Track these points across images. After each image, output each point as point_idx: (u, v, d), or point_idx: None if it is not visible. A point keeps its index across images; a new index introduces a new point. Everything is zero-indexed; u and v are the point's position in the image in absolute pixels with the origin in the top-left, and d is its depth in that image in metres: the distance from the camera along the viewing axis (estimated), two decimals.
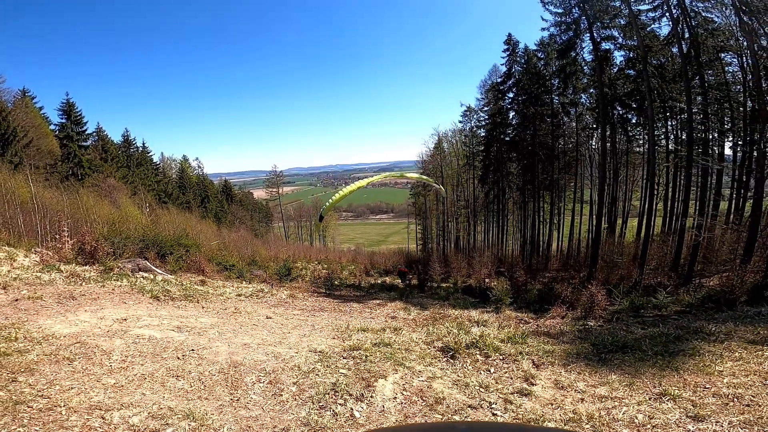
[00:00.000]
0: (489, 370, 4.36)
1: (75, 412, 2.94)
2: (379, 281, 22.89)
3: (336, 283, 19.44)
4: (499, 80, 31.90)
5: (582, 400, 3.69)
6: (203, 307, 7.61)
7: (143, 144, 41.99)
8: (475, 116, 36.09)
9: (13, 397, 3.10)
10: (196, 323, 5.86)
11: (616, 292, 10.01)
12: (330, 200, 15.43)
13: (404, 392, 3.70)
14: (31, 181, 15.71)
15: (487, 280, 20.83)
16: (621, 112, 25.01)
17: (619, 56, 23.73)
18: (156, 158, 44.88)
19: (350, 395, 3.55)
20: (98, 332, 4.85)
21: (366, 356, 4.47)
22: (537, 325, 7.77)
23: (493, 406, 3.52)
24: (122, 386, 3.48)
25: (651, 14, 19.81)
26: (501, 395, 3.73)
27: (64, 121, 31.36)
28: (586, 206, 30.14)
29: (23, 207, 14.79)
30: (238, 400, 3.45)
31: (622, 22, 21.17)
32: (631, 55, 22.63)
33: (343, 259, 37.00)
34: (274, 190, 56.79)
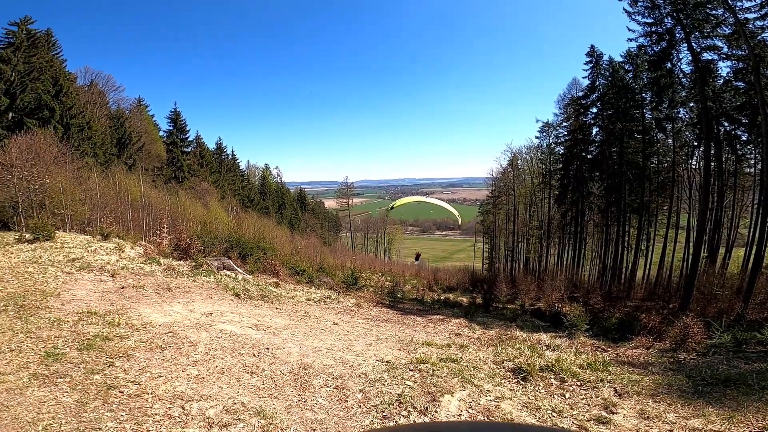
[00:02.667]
0: (564, 395, 4.08)
1: (159, 400, 3.23)
2: (442, 297, 22.50)
3: (399, 296, 19.46)
4: (580, 94, 30.01)
5: (671, 431, 3.29)
6: (277, 308, 8.03)
7: (233, 152, 46.36)
8: (552, 132, 34.26)
9: (108, 381, 3.49)
10: (271, 323, 6.19)
11: (715, 325, 8.89)
12: (399, 200, 16.09)
13: (470, 410, 3.56)
14: (142, 182, 18.05)
15: (558, 305, 19.45)
16: (728, 128, 22.16)
17: (724, 67, 21.23)
18: (243, 165, 49.29)
19: (414, 408, 3.48)
20: (188, 324, 5.33)
21: (433, 370, 4.38)
22: (617, 354, 7.14)
23: None
24: (203, 378, 3.77)
25: (759, 23, 17.78)
26: (576, 421, 3.45)
27: (171, 128, 35.81)
28: (681, 232, 26.95)
29: (133, 204, 17.00)
30: (305, 402, 3.54)
31: (727, 31, 19.05)
32: (739, 66, 20.12)
33: (406, 272, 36.99)
34: (344, 200, 58.94)
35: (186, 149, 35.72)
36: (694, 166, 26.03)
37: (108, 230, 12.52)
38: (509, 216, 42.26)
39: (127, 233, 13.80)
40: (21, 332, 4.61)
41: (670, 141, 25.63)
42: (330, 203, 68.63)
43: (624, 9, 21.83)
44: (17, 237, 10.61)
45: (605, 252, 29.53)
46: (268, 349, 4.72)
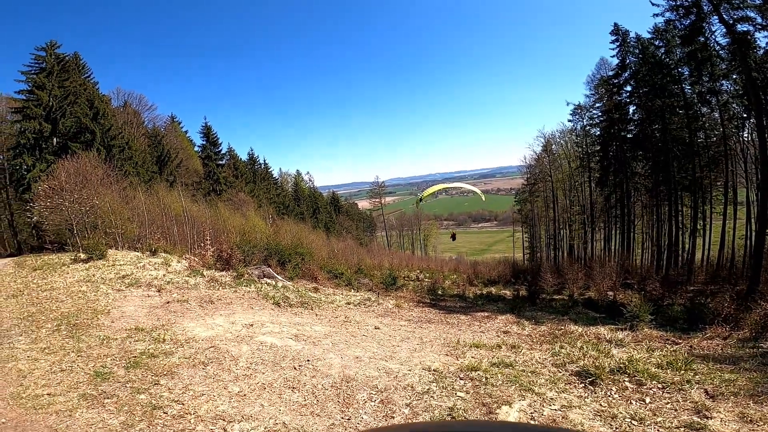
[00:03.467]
0: (643, 400, 3.63)
1: (202, 420, 3.14)
2: (484, 291, 21.89)
3: (439, 293, 19.06)
4: (610, 74, 28.59)
5: None
6: (316, 315, 7.95)
7: (264, 161, 47.57)
8: (586, 114, 32.70)
9: (153, 401, 3.45)
10: (311, 331, 6.08)
11: None
12: (426, 191, 16.19)
13: (532, 421, 3.21)
14: (182, 197, 18.77)
15: (611, 293, 18.32)
16: None
17: (761, 38, 19.75)
18: (275, 174, 50.50)
19: None
20: (229, 337, 5.30)
21: (486, 378, 4.05)
22: (690, 346, 6.53)
23: None
24: (245, 395, 3.66)
25: None
26: (662, 429, 3.03)
27: (204, 142, 37.05)
28: (740, 209, 24.76)
29: (176, 219, 17.70)
30: (349, 419, 3.33)
31: (758, 1, 17.61)
32: None
33: (444, 268, 36.44)
34: (377, 200, 59.05)
35: (220, 162, 36.87)
36: (746, 138, 24.02)
37: (155, 246, 13.03)
38: (548, 203, 40.70)
39: (173, 247, 14.32)
40: (72, 351, 4.77)
41: (716, 114, 23.81)
42: (363, 204, 68.99)
43: None
44: (73, 257, 11.24)
45: (658, 234, 27.69)
46: (308, 360, 4.58)
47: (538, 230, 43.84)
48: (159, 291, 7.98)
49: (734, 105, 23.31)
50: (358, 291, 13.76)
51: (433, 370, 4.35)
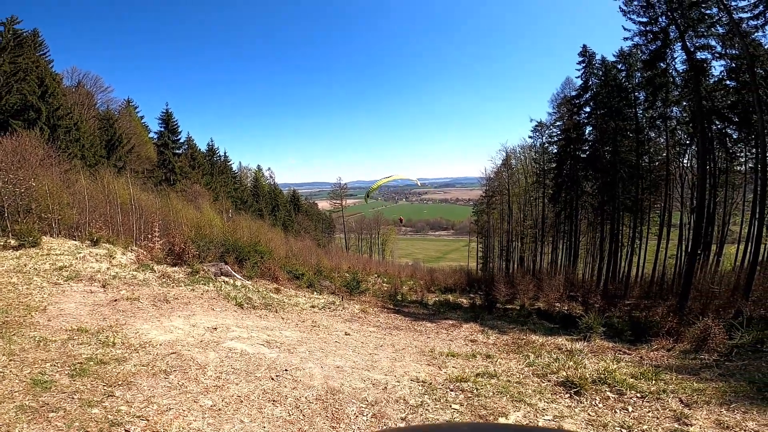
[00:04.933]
0: (626, 409, 3.77)
1: None
2: (441, 298, 22.21)
3: (399, 298, 19.02)
4: (573, 93, 29.99)
5: None
6: (283, 318, 7.49)
7: (225, 153, 45.11)
8: (546, 131, 34.18)
9: (110, 416, 2.93)
10: (282, 337, 5.66)
11: (736, 324, 8.74)
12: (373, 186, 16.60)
13: None
14: (131, 184, 17.26)
15: (558, 305, 19.24)
16: (719, 126, 22.37)
17: (717, 66, 21.62)
18: (235, 167, 48.14)
19: None
20: (192, 342, 4.77)
21: (477, 389, 3.94)
22: (640, 357, 6.99)
23: None
24: (220, 410, 3.23)
25: (753, 22, 18.00)
26: None
27: (162, 129, 34.37)
28: (673, 230, 27.07)
29: (122, 207, 16.21)
30: None
31: (721, 31, 19.26)
32: (732, 65, 20.37)
33: (402, 273, 36.58)
34: (338, 201, 58.15)
35: (177, 151, 34.45)
36: (685, 164, 26.25)
37: (97, 235, 11.80)
38: (503, 215, 42.09)
39: (117, 238, 13.06)
40: (3, 354, 4.01)
41: (662, 139, 25.78)
42: (323, 204, 67.78)
43: (620, 8, 21.91)
44: (1, 243, 9.85)
45: (601, 250, 29.50)
46: (286, 370, 4.19)
47: (492, 241, 45.23)
48: (103, 286, 7.13)
49: (680, 131, 25.29)
50: (320, 294, 13.30)
51: (422, 382, 4.14)
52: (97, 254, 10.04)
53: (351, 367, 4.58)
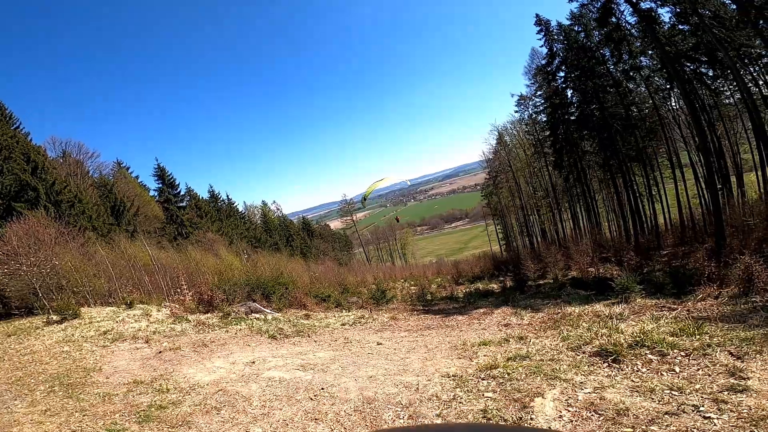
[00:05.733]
0: (674, 370, 3.66)
1: None
2: (471, 288, 22.02)
3: (428, 298, 19.02)
4: (543, 62, 30.06)
5: None
6: (315, 341, 7.70)
7: (227, 196, 45.96)
8: (530, 103, 34.09)
9: None
10: (316, 359, 5.87)
11: None
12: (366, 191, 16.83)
13: (570, 408, 3.19)
14: (147, 246, 17.86)
15: (591, 269, 18.88)
16: (692, 67, 22.16)
17: (665, 13, 21.61)
18: (241, 208, 49.03)
19: (505, 420, 3.12)
20: (234, 377, 5.03)
21: (508, 374, 4.02)
22: (687, 310, 6.67)
23: (701, 409, 2.86)
24: None
25: None
26: (705, 396, 3.07)
27: (160, 185, 34.58)
28: (687, 170, 26.51)
29: (146, 269, 16.78)
30: None
31: None
32: (678, 10, 20.29)
33: (428, 272, 36.46)
34: (348, 218, 58.65)
35: (181, 204, 34.90)
36: (674, 106, 25.94)
37: (130, 298, 12.31)
38: (512, 192, 41.80)
39: (149, 297, 13.57)
40: (76, 411, 4.42)
41: (642, 88, 25.58)
42: (335, 224, 68.44)
43: None
44: (44, 320, 10.44)
45: (620, 205, 29.04)
46: (323, 389, 4.40)
47: (509, 220, 44.87)
48: (147, 342, 7.50)
49: (656, 78, 25.13)
50: (349, 311, 13.50)
51: (452, 376, 4.28)
52: (134, 315, 10.49)
53: (383, 374, 4.76)
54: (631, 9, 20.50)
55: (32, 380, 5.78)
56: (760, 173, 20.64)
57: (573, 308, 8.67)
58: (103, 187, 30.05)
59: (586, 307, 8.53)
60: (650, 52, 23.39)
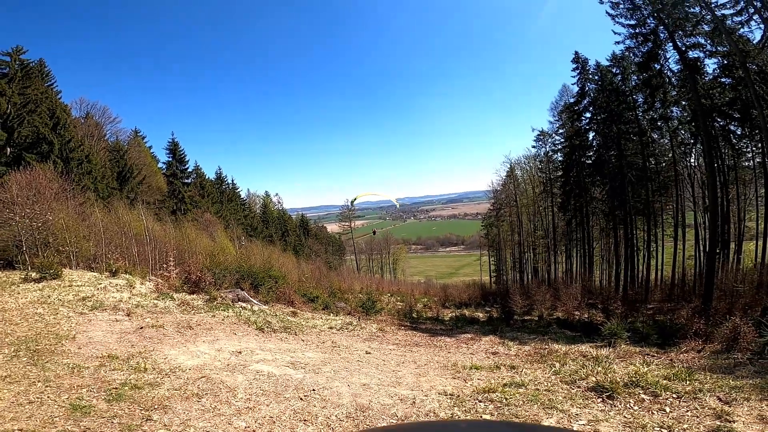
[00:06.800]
0: (664, 410, 3.74)
1: None
2: (457, 313, 21.97)
3: (415, 315, 18.86)
4: (572, 100, 30.05)
5: None
6: (303, 340, 7.51)
7: (233, 181, 45.73)
8: (549, 140, 34.23)
9: None
10: (306, 358, 5.68)
11: (764, 321, 8.53)
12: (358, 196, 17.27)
13: None
14: (144, 216, 17.59)
15: (577, 313, 18.86)
16: (721, 123, 22.21)
17: (710, 64, 21.49)
18: (243, 194, 48.77)
19: None
20: (219, 365, 4.83)
21: (506, 399, 3.92)
22: (670, 360, 6.87)
23: None
24: (254, 431, 3.26)
25: (737, 18, 17.96)
26: None
27: (170, 159, 34.61)
28: (689, 230, 26.62)
29: (137, 239, 16.48)
30: None
31: (707, 29, 19.29)
32: (725, 62, 20.34)
33: (415, 291, 36.24)
34: (347, 224, 58.37)
35: (186, 180, 34.80)
36: (693, 163, 25.98)
37: (116, 266, 12.01)
38: (513, 227, 41.80)
39: (134, 268, 13.26)
40: (39, 381, 4.12)
41: (666, 140, 25.60)
42: (332, 227, 68.08)
43: (606, 12, 21.93)
44: (23, 276, 10.10)
45: (617, 255, 29.05)
46: (314, 390, 4.22)
47: (504, 254, 44.78)
48: (128, 315, 7.25)
49: (682, 131, 25.06)
50: (337, 315, 13.28)
51: (449, 394, 4.14)
52: (117, 284, 10.21)
53: (377, 384, 4.59)
54: (677, 56, 20.27)
55: None
56: (761, 243, 20.68)
57: (559, 346, 8.82)
58: (115, 152, 30.09)
59: (573, 346, 8.67)
60: (684, 102, 23.22)
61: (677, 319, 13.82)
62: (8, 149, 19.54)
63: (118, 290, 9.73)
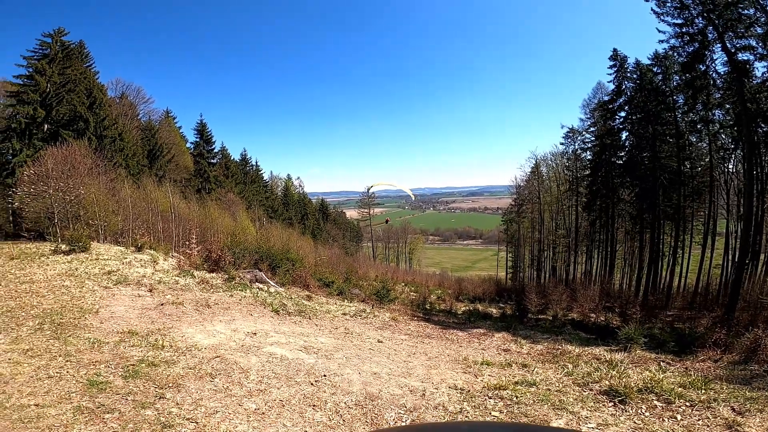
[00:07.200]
0: (675, 418, 3.67)
1: None
2: (470, 308, 21.84)
3: (428, 307, 18.87)
4: (606, 98, 29.07)
5: None
6: (316, 325, 7.61)
7: (256, 163, 46.43)
8: (579, 138, 33.27)
9: (161, 418, 3.06)
10: (318, 343, 5.76)
11: None
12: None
13: None
14: (170, 193, 18.09)
15: (593, 315, 18.50)
16: (765, 129, 21.09)
17: (760, 67, 20.38)
18: (266, 176, 49.50)
19: None
20: (234, 346, 4.94)
21: (516, 397, 3.89)
22: (685, 368, 6.69)
23: None
24: (263, 413, 3.34)
25: None
26: None
27: (198, 139, 35.87)
28: (718, 239, 25.54)
29: (163, 215, 17.00)
30: None
31: (759, 31, 18.22)
32: None
33: (429, 282, 36.24)
34: (366, 210, 58.57)
35: (212, 160, 35.84)
36: (731, 170, 24.87)
37: (141, 241, 12.44)
38: (534, 224, 41.09)
39: (158, 244, 13.70)
40: (60, 355, 4.28)
41: (704, 144, 24.56)
42: (351, 213, 68.45)
43: (652, 9, 21.06)
44: (53, 248, 10.56)
45: (640, 260, 28.22)
46: (325, 376, 4.27)
47: (523, 250, 44.17)
48: (150, 291, 7.50)
49: (723, 135, 23.98)
50: (351, 301, 13.40)
51: (460, 389, 4.13)
52: (141, 260, 10.57)
53: (387, 374, 4.61)
54: (725, 58, 19.49)
55: (23, 313, 5.68)
56: None
57: (572, 347, 8.72)
58: (147, 131, 31.18)
59: (586, 348, 8.54)
60: (728, 106, 22.34)
61: (697, 327, 13.44)
62: (46, 125, 20.49)
63: (142, 265, 10.06)
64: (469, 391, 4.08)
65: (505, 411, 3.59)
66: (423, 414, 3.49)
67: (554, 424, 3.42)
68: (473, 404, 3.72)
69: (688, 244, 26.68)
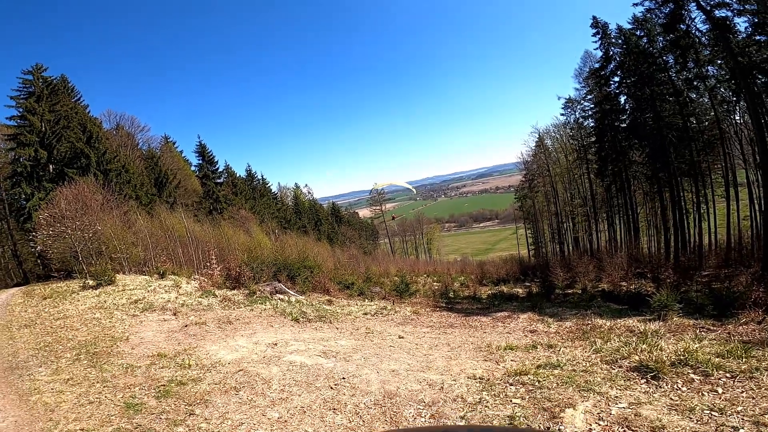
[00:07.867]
0: (716, 391, 3.46)
1: None
2: (495, 291, 21.61)
3: (451, 296, 18.78)
4: (596, 66, 28.65)
5: None
6: (337, 328, 7.69)
7: (263, 176, 47.11)
8: (578, 107, 32.89)
9: None
10: (337, 346, 5.83)
11: None
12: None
13: (601, 422, 3.02)
14: (184, 218, 18.52)
15: (624, 284, 18.07)
16: (764, 80, 20.35)
17: (741, 22, 19.90)
18: (274, 188, 50.11)
19: (533, 428, 2.96)
20: (255, 358, 5.06)
21: (538, 382, 3.83)
22: (728, 333, 6.33)
23: (740, 431, 2.72)
24: (286, 421, 3.42)
25: None
26: (747, 418, 2.88)
27: (201, 161, 36.44)
28: (742, 190, 24.64)
29: (180, 240, 17.43)
30: None
31: None
32: (756, 21, 18.59)
33: (451, 270, 36.11)
34: (378, 207, 58.69)
35: (218, 180, 36.42)
36: (738, 121, 24.06)
37: (163, 268, 12.82)
38: (548, 197, 40.52)
39: (180, 269, 14.09)
40: (97, 382, 4.56)
41: (706, 99, 23.82)
42: (363, 212, 68.73)
43: None
44: (81, 284, 11.03)
45: (664, 220, 27.47)
46: (344, 378, 4.34)
47: (541, 225, 43.59)
48: (175, 314, 7.74)
49: (722, 89, 23.40)
50: (371, 300, 13.48)
51: (479, 378, 4.12)
52: (165, 285, 10.89)
53: (406, 369, 4.65)
54: (703, 16, 19.12)
55: (60, 347, 6.07)
56: None
57: (604, 321, 8.37)
58: (149, 159, 31.65)
59: (618, 321, 8.19)
60: (719, 61, 21.83)
61: (735, 286, 12.66)
62: (50, 166, 20.98)
63: (166, 291, 10.37)
64: (488, 379, 4.06)
65: (527, 397, 3.54)
66: (441, 408, 3.50)
67: (580, 406, 3.31)
68: (493, 393, 3.70)
69: (711, 198, 25.85)
